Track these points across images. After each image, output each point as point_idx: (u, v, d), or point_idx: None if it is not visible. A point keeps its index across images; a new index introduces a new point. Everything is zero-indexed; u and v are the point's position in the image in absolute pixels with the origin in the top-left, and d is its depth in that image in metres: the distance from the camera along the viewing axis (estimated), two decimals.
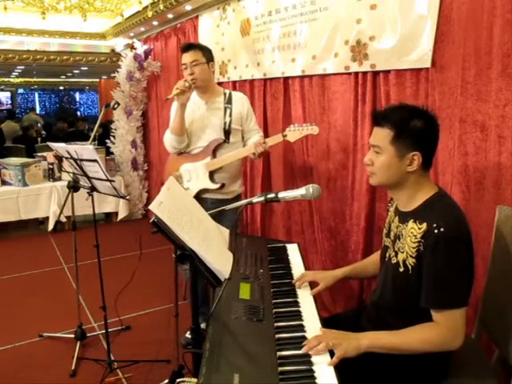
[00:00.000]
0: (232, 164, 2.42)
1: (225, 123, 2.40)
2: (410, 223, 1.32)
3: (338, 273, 1.66)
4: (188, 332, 2.64)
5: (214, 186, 2.41)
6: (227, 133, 2.41)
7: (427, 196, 1.34)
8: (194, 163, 2.43)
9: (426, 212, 1.30)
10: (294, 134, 2.32)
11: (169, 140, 2.44)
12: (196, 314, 1.41)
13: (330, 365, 1.17)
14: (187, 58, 2.33)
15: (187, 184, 2.46)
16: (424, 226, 1.26)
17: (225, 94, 2.48)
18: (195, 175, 2.44)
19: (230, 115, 2.41)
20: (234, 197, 2.50)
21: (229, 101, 2.45)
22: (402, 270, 1.35)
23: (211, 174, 2.41)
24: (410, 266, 1.31)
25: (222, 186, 2.42)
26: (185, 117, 2.36)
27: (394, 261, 1.39)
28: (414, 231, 1.30)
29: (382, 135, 1.34)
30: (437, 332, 1.26)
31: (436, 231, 1.22)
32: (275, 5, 2.94)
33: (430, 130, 1.33)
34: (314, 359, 1.18)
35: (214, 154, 2.41)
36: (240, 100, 2.48)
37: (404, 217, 1.38)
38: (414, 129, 1.31)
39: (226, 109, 2.43)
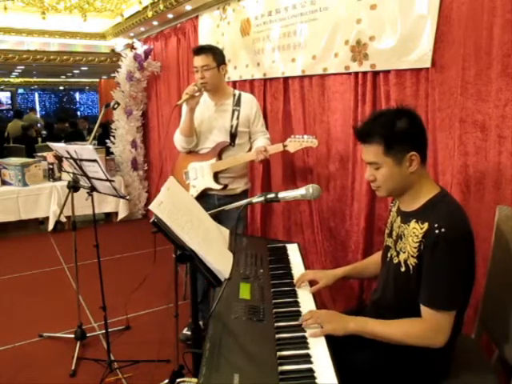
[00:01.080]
0: (237, 166, 2.48)
1: (231, 126, 2.45)
2: (412, 223, 1.32)
3: (338, 272, 1.67)
4: (186, 328, 2.65)
5: (218, 187, 2.49)
6: (233, 136, 2.46)
7: (429, 196, 1.34)
8: (200, 162, 2.51)
9: (428, 212, 1.30)
10: (294, 144, 2.38)
11: (178, 140, 2.50)
12: (196, 314, 1.41)
13: (316, 335, 1.29)
14: (198, 61, 2.36)
15: (193, 182, 2.54)
16: (426, 225, 1.27)
17: (234, 95, 2.51)
18: (201, 174, 2.52)
19: (238, 118, 2.46)
20: (240, 192, 2.56)
21: (237, 103, 2.49)
22: (403, 269, 1.35)
23: (216, 175, 2.48)
24: (411, 266, 1.32)
25: (225, 186, 2.49)
26: (194, 118, 2.41)
27: (395, 261, 1.40)
28: (416, 231, 1.30)
29: (374, 152, 1.33)
30: (421, 327, 1.29)
31: (437, 231, 1.22)
32: (275, 5, 2.94)
33: (416, 125, 1.33)
34: (314, 359, 1.19)
35: (219, 156, 2.48)
36: (249, 102, 2.51)
37: (406, 217, 1.38)
38: (402, 131, 1.30)
39: (233, 111, 2.47)
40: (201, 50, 2.38)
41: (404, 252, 1.35)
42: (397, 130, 1.30)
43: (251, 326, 1.28)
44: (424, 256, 1.27)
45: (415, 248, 1.29)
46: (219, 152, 2.47)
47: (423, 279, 1.28)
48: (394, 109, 1.37)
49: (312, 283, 1.63)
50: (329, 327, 1.31)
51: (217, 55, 2.40)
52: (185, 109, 2.43)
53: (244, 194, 2.60)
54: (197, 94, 2.33)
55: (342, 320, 1.35)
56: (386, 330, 1.31)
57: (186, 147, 2.51)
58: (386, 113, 1.38)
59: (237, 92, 2.55)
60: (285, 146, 2.40)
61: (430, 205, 1.33)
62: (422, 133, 1.35)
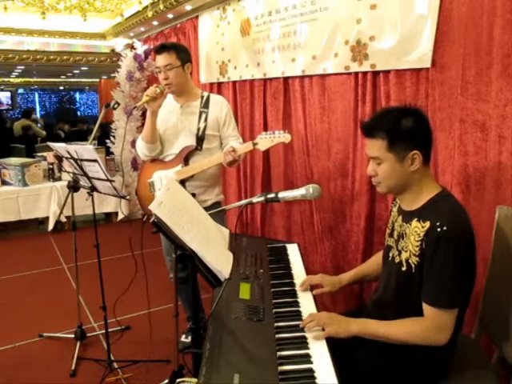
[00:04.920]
0: (205, 172, 2.28)
1: (198, 129, 2.28)
2: (414, 222, 1.33)
3: (343, 279, 1.65)
4: (183, 336, 2.62)
5: None
6: (200, 139, 2.28)
7: (431, 195, 1.35)
8: (165, 171, 2.31)
9: (430, 211, 1.31)
10: (265, 142, 2.16)
11: (140, 147, 2.33)
12: (196, 314, 1.41)
13: (319, 337, 1.28)
14: (160, 61, 2.20)
15: (158, 192, 2.29)
16: (427, 224, 1.27)
17: (202, 97, 2.34)
18: None
19: (206, 120, 2.29)
20: (211, 205, 2.34)
21: (205, 105, 2.31)
22: (404, 269, 1.35)
23: (182, 183, 2.25)
24: (413, 265, 1.32)
25: (193, 195, 2.24)
26: (158, 123, 2.26)
27: (397, 260, 1.40)
28: (417, 230, 1.30)
29: (377, 146, 1.34)
30: (424, 326, 1.29)
31: (439, 230, 1.23)
32: (275, 5, 2.94)
33: (421, 125, 1.33)
34: (314, 359, 1.19)
35: (186, 162, 2.29)
36: (218, 104, 2.33)
37: (408, 216, 1.38)
38: (406, 129, 1.31)
39: (201, 113, 2.29)
40: (163, 49, 2.21)
41: (406, 251, 1.35)
42: (402, 127, 1.31)
43: (251, 326, 1.28)
44: (426, 254, 1.27)
45: (417, 247, 1.30)
46: (185, 157, 2.28)
47: (425, 277, 1.29)
48: (402, 107, 1.37)
49: (314, 285, 1.62)
50: (331, 330, 1.31)
51: (181, 53, 2.22)
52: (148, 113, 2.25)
53: (215, 206, 2.33)
54: (159, 96, 2.16)
55: (344, 322, 1.35)
56: (389, 331, 1.32)
57: (148, 155, 2.33)
58: (394, 110, 1.39)
59: (205, 93, 2.37)
60: (255, 144, 2.16)
61: (432, 204, 1.33)
62: (426, 133, 1.35)
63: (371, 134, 1.35)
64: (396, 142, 1.31)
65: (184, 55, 2.25)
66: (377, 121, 1.37)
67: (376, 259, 1.67)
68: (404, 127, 1.31)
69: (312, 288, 1.61)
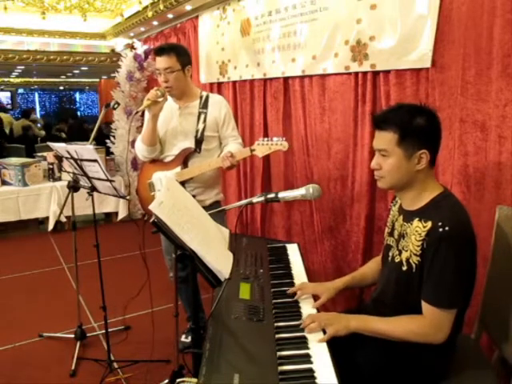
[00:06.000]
0: (204, 174, 2.27)
1: (197, 131, 2.26)
2: (415, 222, 1.32)
3: (338, 284, 1.62)
4: (183, 336, 2.63)
5: None
6: (199, 141, 2.27)
7: (433, 195, 1.34)
8: (165, 172, 2.30)
9: (432, 211, 1.30)
10: (262, 148, 2.15)
11: (139, 149, 2.32)
12: (196, 314, 1.41)
13: (321, 341, 1.27)
14: (161, 63, 2.17)
15: (158, 193, 2.27)
16: (429, 224, 1.27)
17: (201, 97, 2.31)
18: None
19: (205, 121, 2.27)
20: (210, 204, 2.34)
21: (204, 105, 2.29)
22: (405, 268, 1.35)
23: (182, 184, 2.19)
24: (413, 265, 1.32)
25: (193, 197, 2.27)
26: (158, 124, 2.24)
27: (397, 259, 1.40)
28: (419, 229, 1.30)
29: (387, 139, 1.33)
30: (421, 324, 1.30)
31: (441, 230, 1.23)
32: (275, 5, 2.94)
33: (433, 125, 1.33)
34: (313, 359, 1.19)
35: (185, 164, 2.28)
36: (217, 104, 2.31)
37: (409, 216, 1.38)
38: (418, 127, 1.30)
39: (200, 114, 2.28)
40: (163, 51, 2.16)
41: (406, 251, 1.35)
42: (415, 124, 1.30)
43: (251, 326, 1.28)
44: (427, 254, 1.27)
45: (418, 246, 1.30)
46: (184, 159, 2.27)
47: (426, 277, 1.29)
48: (417, 105, 1.37)
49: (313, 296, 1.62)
50: (331, 330, 1.30)
51: (181, 56, 2.18)
52: (147, 115, 2.24)
53: (215, 205, 2.35)
54: (160, 99, 2.14)
55: (343, 319, 1.35)
56: (388, 327, 1.32)
57: (147, 157, 2.32)
58: (409, 106, 1.38)
59: (204, 93, 2.34)
60: (252, 151, 2.16)
61: (434, 204, 1.33)
62: (437, 134, 1.35)
63: (382, 126, 1.34)
64: (407, 138, 1.30)
65: (184, 58, 2.22)
66: (390, 114, 1.36)
67: (373, 262, 1.67)
68: (417, 124, 1.30)
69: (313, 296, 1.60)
